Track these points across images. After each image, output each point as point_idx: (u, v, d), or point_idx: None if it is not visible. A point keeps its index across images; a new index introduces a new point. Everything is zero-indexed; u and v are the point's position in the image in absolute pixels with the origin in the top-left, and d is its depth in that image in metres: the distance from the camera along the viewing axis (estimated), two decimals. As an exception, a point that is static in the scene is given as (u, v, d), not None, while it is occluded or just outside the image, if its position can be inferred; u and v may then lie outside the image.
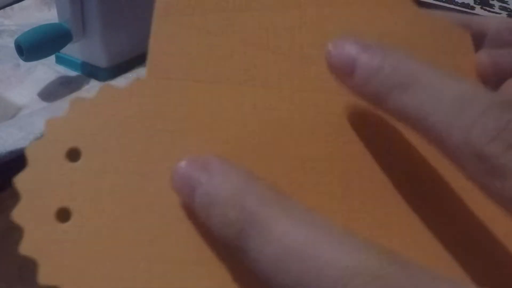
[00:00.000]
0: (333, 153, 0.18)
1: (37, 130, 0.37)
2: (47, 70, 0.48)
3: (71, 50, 0.48)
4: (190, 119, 0.18)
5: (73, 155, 0.17)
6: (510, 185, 0.13)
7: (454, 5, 0.71)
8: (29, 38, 0.43)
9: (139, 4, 0.47)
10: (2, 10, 0.61)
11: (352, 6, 0.22)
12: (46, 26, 0.45)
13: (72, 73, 0.48)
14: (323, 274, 0.13)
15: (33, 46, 0.43)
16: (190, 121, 0.18)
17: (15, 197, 0.37)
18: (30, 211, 0.17)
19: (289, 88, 0.19)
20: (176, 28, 0.19)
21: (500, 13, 0.70)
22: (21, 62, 0.45)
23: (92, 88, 0.45)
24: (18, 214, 0.17)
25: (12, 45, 0.43)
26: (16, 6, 0.62)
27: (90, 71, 0.48)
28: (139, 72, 0.45)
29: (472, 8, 0.71)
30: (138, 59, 0.47)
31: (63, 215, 0.16)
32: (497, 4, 0.74)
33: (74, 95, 0.43)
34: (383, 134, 0.19)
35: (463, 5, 0.71)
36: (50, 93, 0.46)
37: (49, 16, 0.58)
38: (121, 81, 0.44)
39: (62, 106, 0.41)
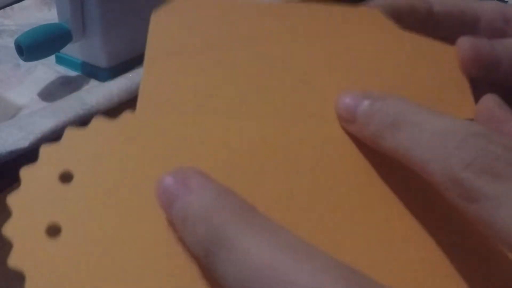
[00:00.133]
0: (319, 178, 0.19)
1: (37, 130, 0.37)
2: (47, 70, 0.48)
3: (71, 50, 0.48)
4: (178, 150, 0.19)
5: (66, 177, 0.18)
6: (481, 208, 0.15)
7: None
8: (29, 38, 0.43)
9: (139, 4, 0.47)
10: (2, 10, 0.61)
11: (337, 36, 0.23)
12: (46, 26, 0.45)
13: (72, 73, 0.48)
14: None
15: (33, 46, 0.43)
16: (177, 152, 0.19)
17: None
18: (20, 226, 0.17)
19: (273, 119, 0.20)
20: (165, 68, 0.21)
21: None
22: (21, 62, 0.45)
23: (92, 88, 0.45)
24: (9, 229, 0.17)
25: (12, 45, 0.43)
26: (16, 6, 0.62)
27: (90, 71, 0.48)
28: (139, 72, 0.45)
29: None
30: (138, 59, 0.47)
31: (53, 230, 0.17)
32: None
33: (74, 94, 0.43)
34: (370, 153, 0.20)
35: None
36: (50, 93, 0.46)
37: (49, 16, 0.58)
38: (121, 81, 0.44)
39: (62, 106, 0.41)
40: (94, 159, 0.18)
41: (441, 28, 0.27)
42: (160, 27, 0.22)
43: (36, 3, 0.62)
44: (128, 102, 0.42)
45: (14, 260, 0.17)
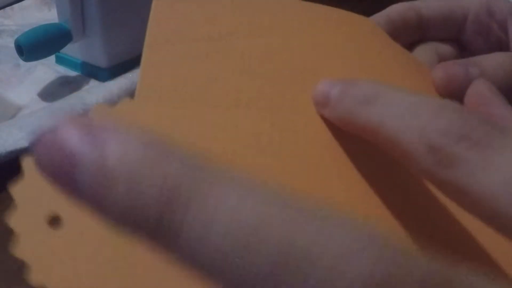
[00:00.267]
0: (311, 163, 0.19)
1: (37, 130, 0.37)
2: (47, 70, 0.48)
3: (71, 50, 0.48)
4: (173, 138, 0.18)
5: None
6: (459, 174, 0.15)
7: None
8: (29, 38, 0.43)
9: (139, 4, 0.47)
10: (2, 10, 0.61)
11: (329, 30, 0.23)
12: (46, 26, 0.45)
13: (72, 73, 0.48)
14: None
15: (33, 46, 0.43)
16: (172, 140, 0.19)
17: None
18: (23, 216, 0.17)
19: (269, 110, 0.20)
20: (165, 55, 0.21)
21: None
22: (21, 62, 0.45)
23: (92, 88, 0.45)
24: (13, 219, 0.17)
25: (12, 45, 0.43)
26: (16, 6, 0.62)
27: (90, 71, 0.48)
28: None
29: None
30: (138, 59, 0.47)
31: (55, 221, 0.17)
32: None
33: (74, 94, 0.43)
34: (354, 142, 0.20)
35: None
36: (50, 93, 0.46)
37: (49, 16, 0.58)
38: (121, 81, 0.44)
39: (62, 106, 0.41)
40: None
41: (432, 30, 0.27)
42: (162, 14, 0.22)
43: (36, 3, 0.62)
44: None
45: (17, 250, 0.17)
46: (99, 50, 0.46)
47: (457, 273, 0.10)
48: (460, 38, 0.28)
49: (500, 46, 0.27)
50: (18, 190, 0.18)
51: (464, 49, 0.28)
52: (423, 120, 0.16)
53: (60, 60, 0.50)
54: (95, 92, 0.43)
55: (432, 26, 0.27)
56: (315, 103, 0.20)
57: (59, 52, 0.48)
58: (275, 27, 0.22)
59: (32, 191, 0.18)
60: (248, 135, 0.19)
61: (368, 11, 0.26)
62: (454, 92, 0.23)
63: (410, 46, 0.27)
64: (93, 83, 0.47)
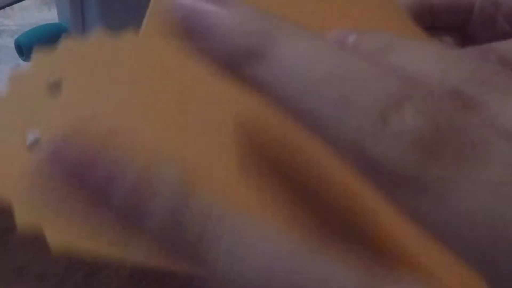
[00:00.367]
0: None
1: (37, 130, 0.37)
2: (47, 70, 0.48)
3: (71, 50, 0.48)
4: (171, 75, 0.18)
5: (54, 86, 0.17)
6: (483, 115, 0.14)
7: None
8: (29, 38, 0.43)
9: (139, 4, 0.47)
10: (2, 10, 0.61)
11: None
12: (46, 26, 0.45)
13: (72, 73, 0.49)
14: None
15: (33, 46, 0.43)
16: (172, 78, 0.18)
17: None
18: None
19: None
20: None
21: None
22: (21, 62, 0.45)
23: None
24: None
25: (12, 45, 0.43)
26: (16, 6, 0.62)
27: (90, 71, 0.48)
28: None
29: None
30: (138, 59, 0.47)
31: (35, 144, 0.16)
32: None
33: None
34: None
35: None
36: (50, 93, 0.46)
37: (49, 16, 0.58)
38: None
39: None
40: (86, 70, 0.17)
41: (439, 18, 0.28)
42: None
43: (36, 3, 0.62)
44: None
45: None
46: (99, 50, 0.46)
47: None
48: (466, 28, 0.28)
49: (505, 38, 0.27)
50: None
51: (468, 40, 0.28)
52: (446, 66, 0.16)
53: (60, 60, 0.50)
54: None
55: (439, 15, 0.28)
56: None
57: (59, 52, 0.48)
58: None
59: (13, 108, 0.16)
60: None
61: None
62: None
63: None
64: (93, 83, 0.47)
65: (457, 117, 0.12)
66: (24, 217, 0.16)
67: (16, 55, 0.44)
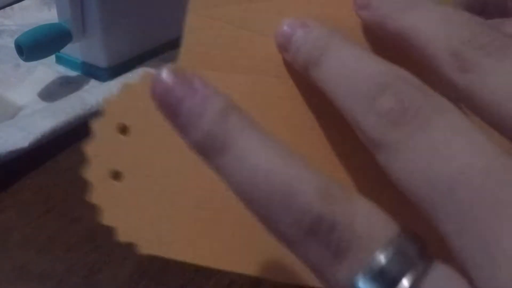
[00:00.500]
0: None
1: (37, 130, 0.37)
2: (47, 70, 0.48)
3: (71, 50, 0.48)
4: None
5: (123, 129, 0.22)
6: (473, 78, 0.17)
7: None
8: (29, 38, 0.43)
9: (139, 4, 0.47)
10: (2, 10, 0.61)
11: None
12: (46, 26, 0.45)
13: (72, 73, 0.49)
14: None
15: (33, 46, 0.43)
16: None
17: (15, 197, 0.37)
18: (93, 170, 0.22)
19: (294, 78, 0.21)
20: (208, 20, 0.21)
21: None
22: (21, 62, 0.45)
23: (92, 88, 0.45)
24: (86, 172, 0.22)
25: (12, 45, 0.43)
26: (16, 6, 0.62)
27: (90, 71, 0.48)
28: (139, 72, 0.45)
29: None
30: (138, 59, 0.47)
31: (116, 176, 0.22)
32: None
33: (74, 94, 0.43)
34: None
35: None
36: (50, 93, 0.46)
37: (49, 16, 0.58)
38: (121, 81, 0.44)
39: (62, 106, 0.41)
40: (147, 111, 0.21)
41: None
42: None
43: (36, 3, 0.62)
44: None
45: (90, 196, 0.21)
46: (99, 50, 0.46)
47: None
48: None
49: None
50: (89, 147, 0.22)
51: None
52: (451, 28, 0.17)
53: (60, 60, 0.50)
54: (95, 92, 0.43)
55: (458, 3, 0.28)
56: (356, 6, 0.21)
57: (59, 52, 0.48)
58: None
59: (100, 150, 0.22)
60: (273, 101, 0.21)
61: None
62: None
63: None
64: (93, 83, 0.47)
65: (416, 100, 0.16)
66: (107, 220, 0.21)
67: (16, 55, 0.44)
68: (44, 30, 0.44)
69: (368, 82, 0.17)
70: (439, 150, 0.15)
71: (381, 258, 0.14)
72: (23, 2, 0.62)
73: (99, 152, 0.22)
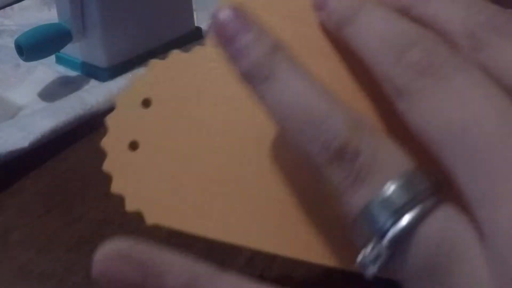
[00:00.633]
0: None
1: (37, 130, 0.37)
2: (47, 70, 0.48)
3: (71, 50, 0.48)
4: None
5: (146, 103, 0.23)
6: (485, 55, 0.18)
7: None
8: (29, 38, 0.43)
9: (139, 4, 0.47)
10: (2, 10, 0.61)
11: None
12: (46, 26, 0.45)
13: (72, 73, 0.48)
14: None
15: (33, 46, 0.43)
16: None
17: (15, 197, 0.37)
18: (111, 140, 0.23)
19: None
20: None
21: None
22: (21, 62, 0.45)
23: (92, 88, 0.45)
24: (104, 141, 0.23)
25: (12, 45, 0.43)
26: (16, 6, 0.62)
27: (90, 71, 0.48)
28: (139, 72, 0.45)
29: None
30: (138, 59, 0.47)
31: (133, 146, 0.22)
32: None
33: (74, 94, 0.43)
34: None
35: None
36: (50, 93, 0.46)
37: (49, 16, 0.58)
38: (121, 81, 0.44)
39: (62, 106, 0.41)
40: (171, 86, 0.23)
41: None
42: None
43: (36, 3, 0.62)
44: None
45: (105, 167, 0.22)
46: (99, 50, 0.46)
47: None
48: None
49: None
50: (110, 118, 0.23)
51: None
52: (468, 13, 0.19)
53: (60, 60, 0.50)
54: (95, 92, 0.43)
55: None
56: (313, 5, 0.22)
57: (59, 52, 0.48)
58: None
59: (120, 121, 0.23)
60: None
61: None
62: None
63: None
64: (93, 83, 0.47)
65: (441, 57, 0.17)
66: (116, 188, 0.22)
67: (16, 55, 0.44)
68: (44, 30, 0.44)
69: (399, 38, 0.18)
70: (457, 98, 0.16)
71: (391, 188, 0.16)
72: (23, 2, 0.62)
73: (119, 123, 0.23)
